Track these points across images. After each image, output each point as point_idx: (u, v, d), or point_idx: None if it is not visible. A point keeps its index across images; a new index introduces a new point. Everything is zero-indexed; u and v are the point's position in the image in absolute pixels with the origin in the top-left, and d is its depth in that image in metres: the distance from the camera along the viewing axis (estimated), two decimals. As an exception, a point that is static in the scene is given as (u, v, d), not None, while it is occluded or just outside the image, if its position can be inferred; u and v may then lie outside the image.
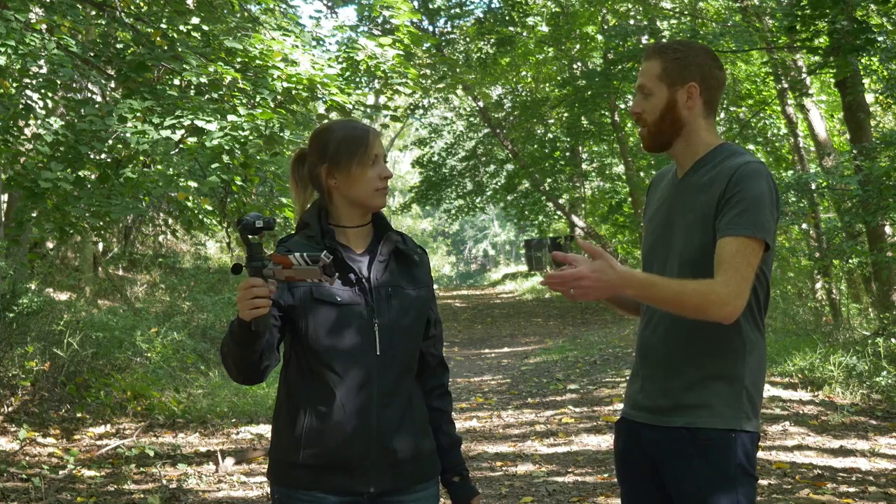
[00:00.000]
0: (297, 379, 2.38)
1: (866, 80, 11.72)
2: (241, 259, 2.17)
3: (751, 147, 17.25)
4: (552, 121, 22.41)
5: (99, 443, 7.08)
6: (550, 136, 22.57)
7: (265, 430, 7.56)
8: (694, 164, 2.48)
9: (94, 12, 9.09)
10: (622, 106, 19.33)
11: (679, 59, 2.45)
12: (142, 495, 5.65)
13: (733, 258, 2.29)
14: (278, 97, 7.85)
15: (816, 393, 8.05)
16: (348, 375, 2.33)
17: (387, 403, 2.35)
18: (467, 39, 20.19)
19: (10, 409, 7.43)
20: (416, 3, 18.09)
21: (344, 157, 2.37)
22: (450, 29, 20.37)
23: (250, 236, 2.12)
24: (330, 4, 14.20)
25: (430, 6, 19.03)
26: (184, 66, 7.51)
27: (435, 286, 2.62)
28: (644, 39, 16.33)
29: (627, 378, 2.70)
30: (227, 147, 7.19)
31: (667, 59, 2.46)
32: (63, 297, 12.12)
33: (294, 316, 2.35)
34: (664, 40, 15.11)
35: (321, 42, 10.64)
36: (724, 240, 2.32)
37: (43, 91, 7.45)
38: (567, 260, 2.25)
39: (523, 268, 34.93)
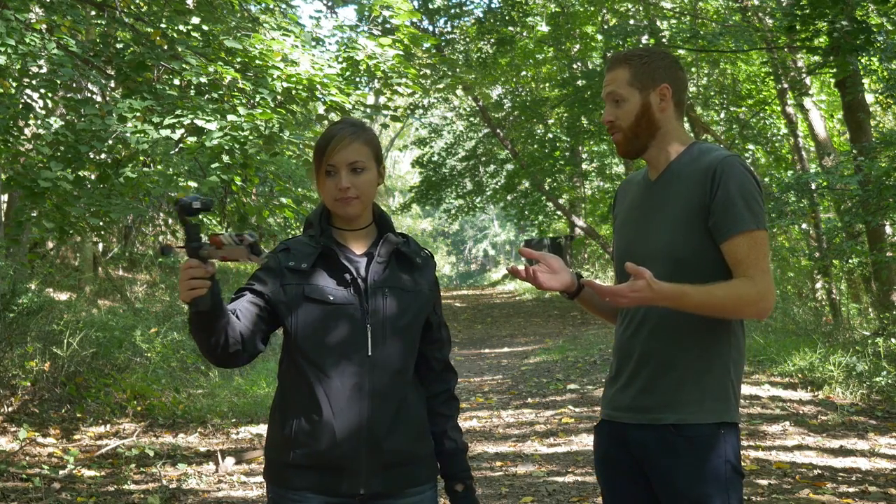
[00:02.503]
0: (290, 378, 2.38)
1: (866, 80, 11.72)
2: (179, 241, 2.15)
3: (751, 147, 17.24)
4: (552, 121, 22.39)
5: (99, 443, 7.08)
6: (550, 136, 22.54)
7: (265, 430, 7.55)
8: (669, 164, 2.51)
9: (94, 12, 9.09)
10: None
11: (647, 63, 2.49)
12: (142, 495, 5.65)
13: (748, 256, 2.35)
14: (278, 97, 7.84)
15: (816, 393, 8.05)
16: (339, 376, 2.31)
17: (378, 405, 2.32)
18: (467, 39, 20.16)
19: (10, 409, 7.43)
20: (416, 3, 18.07)
21: (314, 166, 2.41)
22: (450, 29, 20.33)
23: (188, 217, 2.10)
24: (330, 4, 14.19)
25: (430, 6, 19.00)
26: (184, 65, 7.50)
27: (438, 288, 2.58)
28: (644, 39, 16.32)
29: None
30: (226, 147, 7.18)
31: (634, 64, 2.49)
32: (63, 297, 12.12)
33: (284, 313, 2.34)
34: (664, 43, 15.11)
35: (321, 42, 10.59)
36: (732, 241, 2.35)
37: (43, 91, 7.45)
38: (534, 257, 2.49)
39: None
